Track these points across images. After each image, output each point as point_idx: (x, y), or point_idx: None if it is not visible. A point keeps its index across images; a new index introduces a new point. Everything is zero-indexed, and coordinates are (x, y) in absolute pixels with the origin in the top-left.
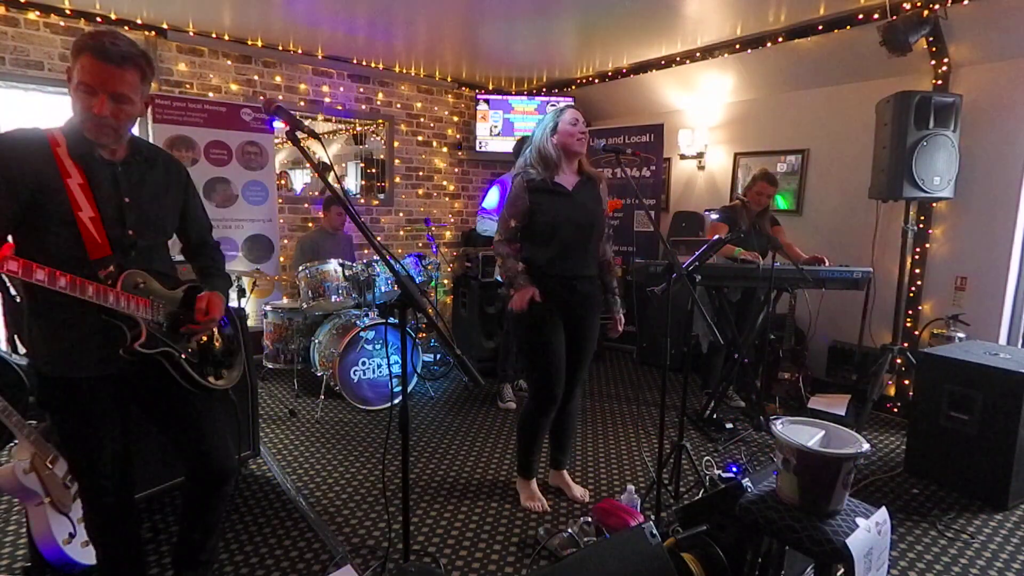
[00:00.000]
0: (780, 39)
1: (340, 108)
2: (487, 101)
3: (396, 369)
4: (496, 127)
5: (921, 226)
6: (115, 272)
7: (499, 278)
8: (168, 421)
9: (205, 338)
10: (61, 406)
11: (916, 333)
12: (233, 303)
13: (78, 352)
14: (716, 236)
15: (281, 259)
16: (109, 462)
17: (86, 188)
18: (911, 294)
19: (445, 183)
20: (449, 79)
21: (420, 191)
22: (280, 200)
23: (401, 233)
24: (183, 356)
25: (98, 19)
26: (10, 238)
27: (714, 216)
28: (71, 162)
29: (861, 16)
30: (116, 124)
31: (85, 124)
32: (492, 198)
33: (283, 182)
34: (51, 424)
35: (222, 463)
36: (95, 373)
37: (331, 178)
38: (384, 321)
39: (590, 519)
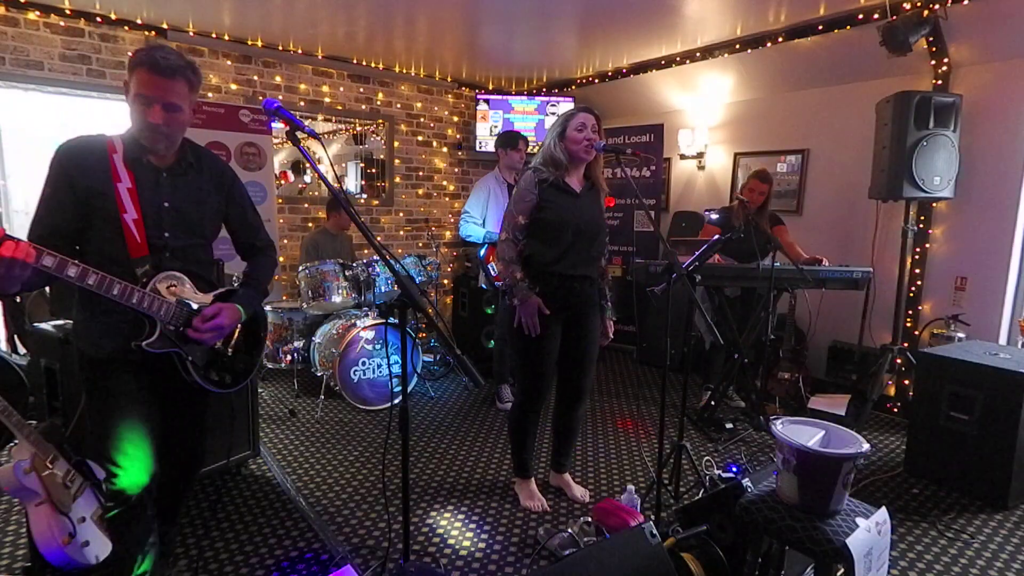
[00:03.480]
0: (780, 39)
1: (340, 108)
2: (487, 101)
3: (396, 369)
4: (496, 127)
5: (921, 226)
6: (151, 271)
7: (483, 285)
8: (173, 411)
9: (219, 344)
10: (93, 385)
11: (916, 333)
12: None
13: (113, 334)
14: (715, 236)
15: (281, 259)
16: (135, 448)
17: (133, 192)
18: (911, 294)
19: (445, 183)
20: (449, 79)
21: (420, 191)
22: (280, 200)
23: (401, 233)
24: (189, 359)
25: (98, 19)
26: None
27: (713, 217)
28: (124, 167)
29: (861, 16)
30: (168, 131)
31: (143, 132)
32: (474, 201)
33: (282, 181)
34: (86, 406)
35: (195, 457)
36: (119, 356)
37: (331, 178)
38: (384, 321)
39: (590, 519)
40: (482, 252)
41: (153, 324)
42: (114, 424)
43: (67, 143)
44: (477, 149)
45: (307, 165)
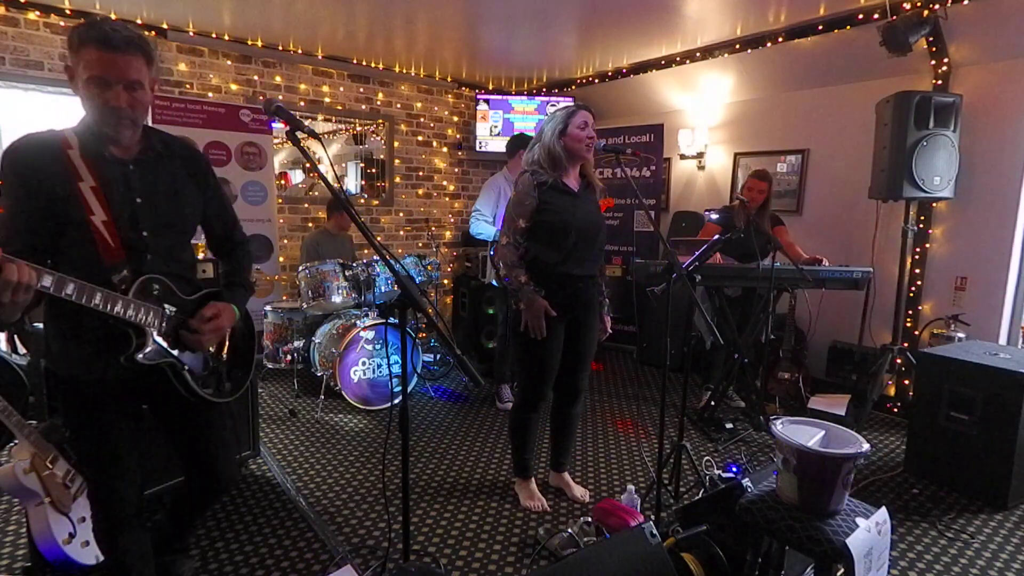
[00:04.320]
0: (780, 39)
1: (340, 108)
2: (487, 101)
3: (396, 369)
4: (496, 127)
5: (921, 226)
6: (129, 277)
7: (494, 282)
8: (175, 426)
9: (212, 349)
10: (71, 407)
11: (916, 333)
12: None
13: (89, 354)
14: (716, 236)
15: (281, 259)
16: (121, 466)
17: (98, 191)
18: (911, 294)
19: (445, 183)
20: (449, 79)
21: (420, 191)
22: (280, 200)
23: (401, 233)
24: (185, 367)
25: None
26: None
27: (713, 216)
28: (83, 164)
29: (861, 16)
30: (134, 115)
31: (104, 119)
32: (485, 199)
33: (283, 182)
34: (64, 426)
35: (225, 473)
36: (104, 376)
37: (331, 178)
38: (384, 321)
39: (590, 519)
40: (492, 251)
41: (140, 334)
42: (98, 451)
43: (16, 144)
44: (477, 149)
45: (308, 165)
